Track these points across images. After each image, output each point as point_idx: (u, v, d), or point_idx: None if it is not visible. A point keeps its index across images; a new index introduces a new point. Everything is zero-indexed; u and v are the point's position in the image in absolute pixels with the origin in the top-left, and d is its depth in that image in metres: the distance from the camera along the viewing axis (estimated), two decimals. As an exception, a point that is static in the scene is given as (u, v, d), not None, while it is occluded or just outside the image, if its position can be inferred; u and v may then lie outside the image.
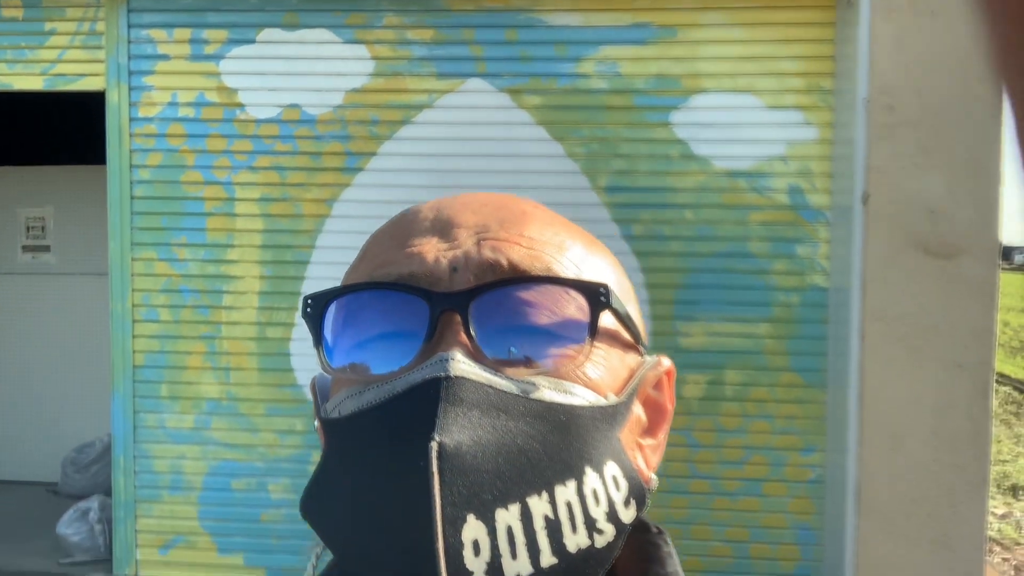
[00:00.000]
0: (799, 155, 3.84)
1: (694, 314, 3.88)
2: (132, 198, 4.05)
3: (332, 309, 0.56)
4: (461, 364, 0.50)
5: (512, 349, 0.53)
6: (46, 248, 5.61)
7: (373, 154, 3.96)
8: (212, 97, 4.02)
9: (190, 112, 4.03)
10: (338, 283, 0.60)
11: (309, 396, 0.62)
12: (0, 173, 5.66)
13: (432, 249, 0.56)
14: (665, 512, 3.89)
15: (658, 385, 0.62)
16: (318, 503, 0.54)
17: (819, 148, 3.83)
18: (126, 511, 4.10)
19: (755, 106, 3.85)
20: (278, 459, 4.04)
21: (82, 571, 4.16)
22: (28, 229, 5.62)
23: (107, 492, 4.34)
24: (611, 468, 0.53)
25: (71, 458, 5.28)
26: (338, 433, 0.54)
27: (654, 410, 0.61)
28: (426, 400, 0.49)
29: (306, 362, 4.02)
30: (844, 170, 3.69)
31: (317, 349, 0.56)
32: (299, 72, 3.97)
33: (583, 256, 0.59)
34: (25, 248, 5.63)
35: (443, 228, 0.57)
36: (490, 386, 0.50)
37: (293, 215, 4.01)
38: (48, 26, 4.06)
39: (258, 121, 4.00)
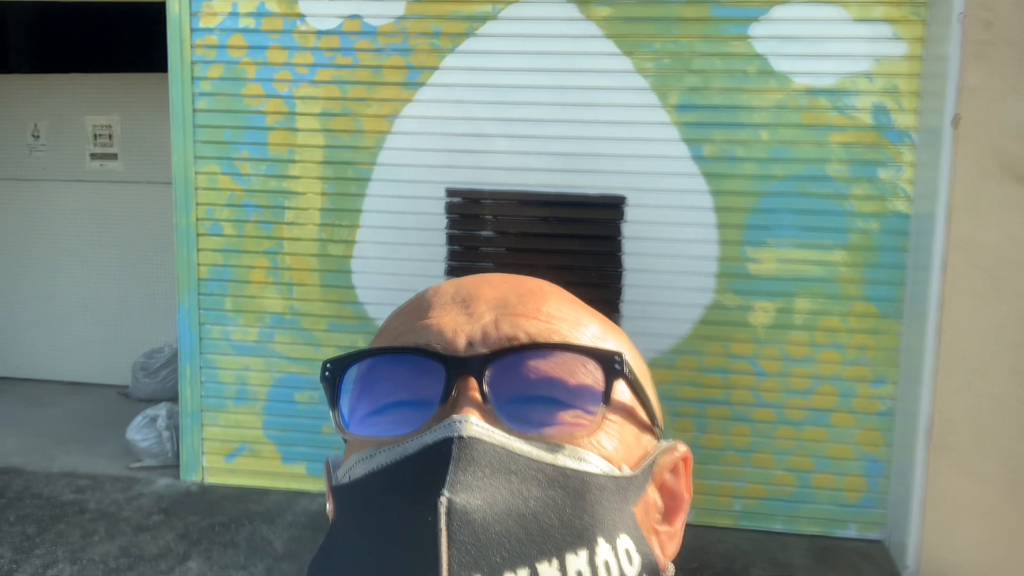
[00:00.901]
0: (886, 72, 3.61)
1: (765, 239, 3.74)
2: (194, 111, 4.01)
3: (350, 374, 0.57)
4: (474, 426, 0.50)
5: (526, 415, 0.52)
6: (113, 156, 5.65)
7: (435, 68, 3.84)
8: (272, 7, 3.91)
9: (250, 23, 3.94)
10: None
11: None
12: (67, 81, 5.68)
13: (450, 322, 0.57)
14: (727, 439, 3.84)
15: (675, 470, 0.60)
16: (326, 569, 0.52)
17: (908, 65, 3.59)
18: (193, 420, 4.20)
19: (841, 18, 3.61)
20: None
21: (151, 476, 4.29)
22: (95, 137, 5.65)
23: (175, 398, 4.45)
24: (624, 541, 0.51)
25: (140, 363, 5.42)
26: (348, 498, 0.54)
27: (671, 497, 0.59)
28: (437, 459, 0.49)
29: (367, 280, 4.01)
30: (934, 89, 3.46)
31: (332, 412, 0.57)
32: (360, -20, 3.83)
33: (599, 334, 0.59)
34: (93, 156, 5.67)
35: (462, 303, 0.58)
36: (503, 448, 0.50)
37: (354, 131, 3.94)
38: (107, -68, 3.97)
39: (319, 32, 3.89)
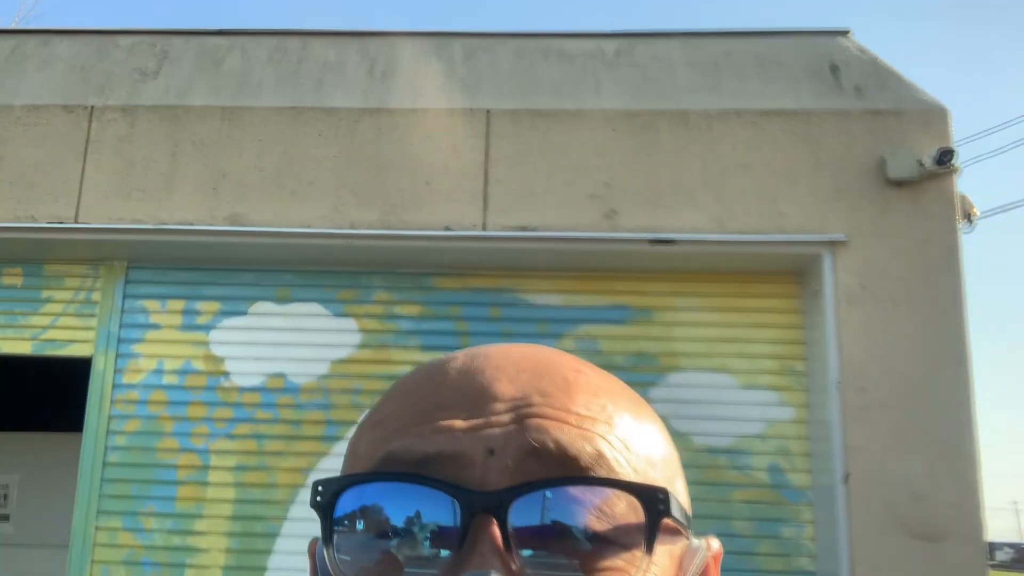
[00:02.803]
0: (777, 434, 3.88)
1: (679, 598, 3.72)
2: (104, 464, 3.97)
3: (344, 499, 0.50)
4: None
5: (555, 560, 0.46)
6: (5, 517, 5.40)
7: (354, 423, 3.97)
8: (198, 365, 4.07)
9: (174, 379, 4.06)
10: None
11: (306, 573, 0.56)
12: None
13: (463, 425, 0.49)
14: None
15: (704, 572, 0.55)
16: None
17: (796, 428, 3.88)
18: None
19: (730, 385, 3.94)
20: None
21: None
22: (-12, 498, 5.44)
23: None
24: None
25: None
26: None
27: None
28: None
29: (267, 645, 3.76)
30: (823, 450, 3.72)
31: (326, 548, 0.50)
32: (287, 343, 4.06)
33: (632, 432, 0.52)
34: (-18, 518, 5.42)
35: (476, 399, 0.51)
36: None
37: (268, 484, 3.93)
38: (45, 294, 4.18)
39: (241, 389, 4.03)
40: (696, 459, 3.86)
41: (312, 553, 0.54)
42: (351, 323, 4.07)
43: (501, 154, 3.95)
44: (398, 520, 0.48)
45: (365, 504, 0.49)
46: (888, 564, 3.44)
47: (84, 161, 4.04)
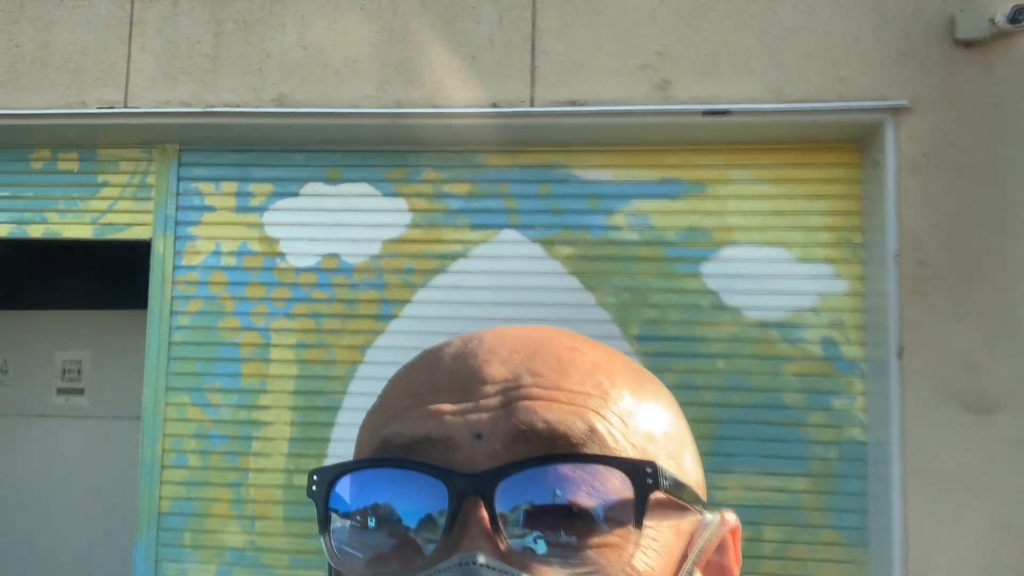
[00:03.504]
0: (831, 307, 3.85)
1: (729, 467, 3.81)
2: (170, 343, 4.11)
3: (339, 487, 0.50)
4: (485, 570, 0.44)
5: (546, 540, 0.46)
6: (80, 391, 5.67)
7: (407, 302, 4.03)
8: (254, 247, 4.14)
9: (232, 261, 4.14)
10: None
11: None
12: (39, 317, 5.80)
13: (452, 409, 0.49)
14: None
15: (721, 547, 0.54)
16: None
17: (851, 301, 3.85)
18: (141, 666, 3.96)
19: (785, 259, 3.89)
20: (300, 613, 3.92)
21: None
22: (64, 372, 5.70)
23: (123, 645, 4.20)
24: None
25: (88, 608, 5.15)
26: None
27: (718, 574, 0.53)
28: None
29: (333, 511, 3.95)
30: (877, 323, 3.69)
31: (322, 536, 0.50)
32: (339, 223, 4.10)
33: (631, 407, 0.51)
34: (60, 391, 5.69)
35: (466, 383, 0.50)
36: None
37: (327, 361, 4.05)
38: (101, 178, 4.25)
39: (297, 269, 4.10)
40: (748, 334, 3.86)
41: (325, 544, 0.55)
42: (401, 203, 4.08)
43: (548, 24, 3.83)
44: (389, 505, 0.48)
45: (357, 491, 0.50)
46: (940, 436, 3.45)
47: (129, 44, 4.01)
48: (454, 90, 3.84)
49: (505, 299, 3.97)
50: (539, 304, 3.95)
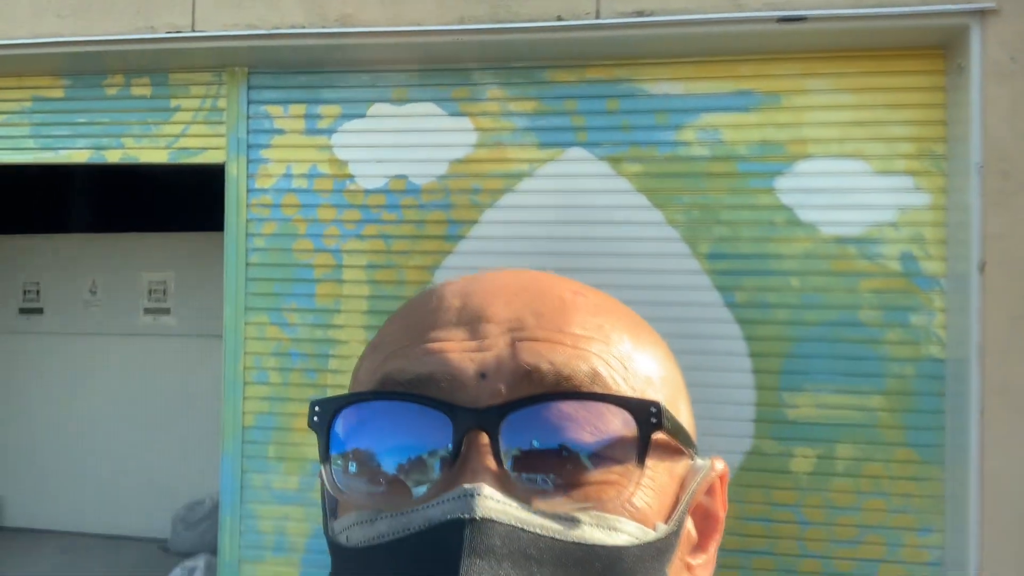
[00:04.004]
0: (911, 221, 3.72)
1: (802, 385, 3.77)
2: (247, 264, 4.22)
3: (341, 418, 0.50)
4: (488, 501, 0.44)
5: (548, 475, 0.46)
6: (166, 311, 5.89)
7: (475, 222, 4.04)
8: (324, 169, 4.18)
9: (303, 183, 4.19)
10: None
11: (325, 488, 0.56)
12: (125, 240, 6.00)
13: (456, 347, 0.49)
14: (772, 591, 3.74)
15: (710, 491, 0.54)
16: None
17: (932, 214, 3.71)
18: (231, 571, 4.18)
19: (863, 171, 3.76)
20: (378, 523, 4.07)
21: (188, 628, 4.25)
22: (150, 292, 5.91)
23: (214, 550, 4.44)
24: None
25: (181, 515, 5.45)
26: (347, 565, 0.49)
27: (704, 519, 0.54)
28: (447, 548, 0.43)
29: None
30: (959, 237, 3.56)
31: (323, 465, 0.50)
32: (406, 144, 4.10)
33: (631, 351, 0.51)
34: (147, 311, 5.92)
35: (470, 321, 0.50)
36: (522, 528, 0.44)
37: (397, 281, 4.10)
38: (174, 103, 4.31)
39: (366, 191, 4.13)
40: (823, 250, 3.77)
41: (322, 481, 0.55)
42: (466, 122, 4.04)
43: (615, -69, 3.69)
44: (392, 438, 0.49)
45: (360, 423, 0.50)
46: (1021, 353, 3.35)
47: (193, -33, 4.01)
48: (518, 4, 3.75)
49: (572, 218, 3.94)
50: (607, 223, 3.91)
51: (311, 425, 0.51)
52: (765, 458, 3.78)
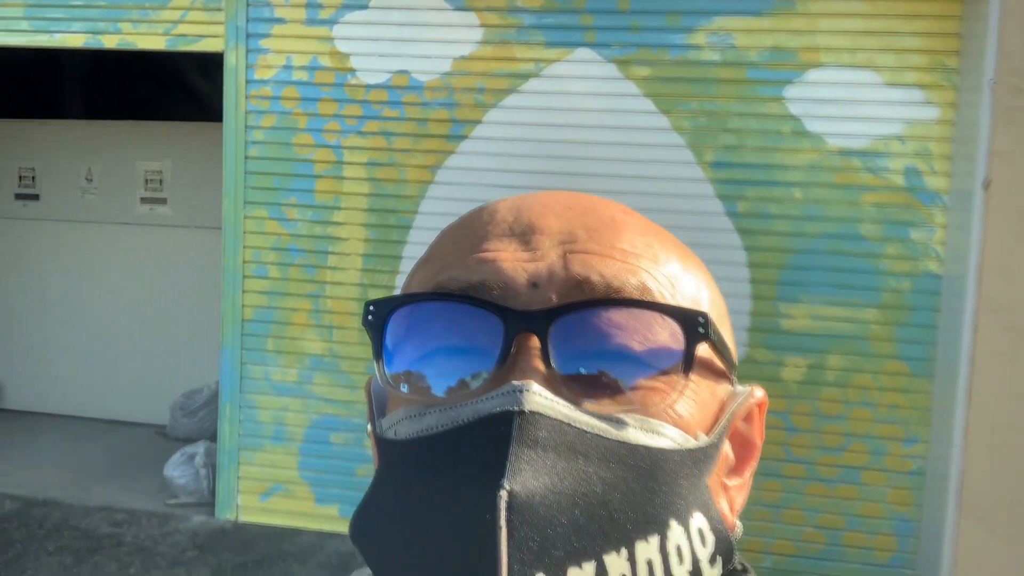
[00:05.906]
0: (918, 135, 3.69)
1: (798, 296, 3.80)
2: (246, 158, 4.18)
3: (395, 318, 0.51)
4: (537, 397, 0.45)
5: (595, 378, 0.47)
6: (163, 201, 5.85)
7: (478, 122, 3.98)
8: (325, 61, 4.09)
9: (303, 76, 4.11)
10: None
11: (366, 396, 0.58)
12: (122, 127, 5.91)
13: (509, 257, 0.50)
14: (757, 494, 3.85)
15: (748, 417, 0.55)
16: (369, 532, 0.49)
17: (940, 129, 3.67)
18: (230, 458, 4.29)
19: (873, 83, 3.71)
20: (375, 417, 4.15)
21: (186, 512, 4.37)
22: (147, 182, 5.86)
23: (212, 437, 4.54)
24: (698, 520, 0.47)
25: (180, 403, 5.54)
26: (394, 458, 0.50)
27: (742, 445, 0.55)
28: (495, 438, 0.43)
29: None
30: (966, 153, 3.54)
31: (376, 362, 0.51)
32: (409, 38, 4.01)
33: (679, 272, 0.52)
34: (143, 200, 5.88)
35: (522, 233, 0.51)
36: (569, 423, 0.45)
37: (398, 180, 4.07)
38: (171, -13, 4.19)
39: (368, 86, 4.06)
40: (828, 161, 3.75)
41: (368, 391, 0.56)
42: (472, 17, 3.94)
43: None
44: (444, 338, 0.50)
45: (414, 323, 0.51)
46: (1019, 272, 3.37)
47: None
48: None
49: (577, 121, 3.89)
50: (612, 127, 3.87)
51: (365, 324, 0.52)
52: (757, 366, 3.84)
